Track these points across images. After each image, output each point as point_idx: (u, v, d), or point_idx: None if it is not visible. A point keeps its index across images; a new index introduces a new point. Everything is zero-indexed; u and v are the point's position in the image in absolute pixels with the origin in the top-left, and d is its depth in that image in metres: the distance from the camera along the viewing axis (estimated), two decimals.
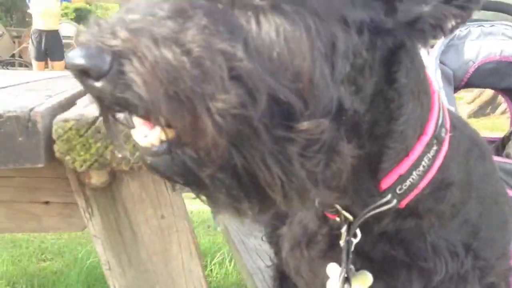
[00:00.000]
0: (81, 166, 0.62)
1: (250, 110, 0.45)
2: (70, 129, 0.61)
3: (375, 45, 0.55)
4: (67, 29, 9.58)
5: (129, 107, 0.45)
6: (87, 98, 0.86)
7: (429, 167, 0.67)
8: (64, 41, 7.84)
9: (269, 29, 0.47)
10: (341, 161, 0.54)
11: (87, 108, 0.73)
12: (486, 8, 2.20)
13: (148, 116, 0.46)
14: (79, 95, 0.92)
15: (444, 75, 1.83)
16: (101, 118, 0.62)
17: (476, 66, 1.91)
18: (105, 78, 0.44)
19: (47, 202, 0.82)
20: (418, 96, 0.65)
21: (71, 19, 16.87)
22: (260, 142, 0.47)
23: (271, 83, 0.46)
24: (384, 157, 0.65)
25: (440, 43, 1.86)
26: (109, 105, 0.48)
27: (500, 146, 1.84)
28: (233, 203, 0.52)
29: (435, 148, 0.67)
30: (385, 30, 0.55)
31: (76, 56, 0.44)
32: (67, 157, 0.62)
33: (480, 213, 0.75)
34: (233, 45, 0.46)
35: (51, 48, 7.34)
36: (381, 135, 0.63)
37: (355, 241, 0.71)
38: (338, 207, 0.71)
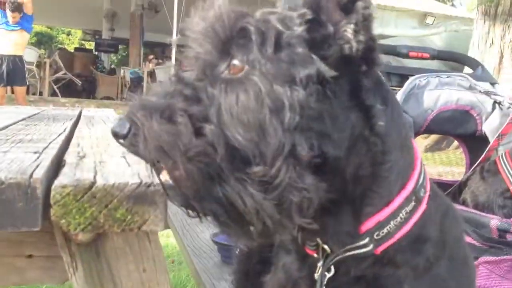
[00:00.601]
0: (75, 229, 0.65)
1: (212, 157, 0.61)
2: (68, 194, 0.63)
3: (325, 95, 0.64)
4: (28, 54, 9.41)
5: (140, 157, 0.66)
6: (72, 154, 0.88)
7: (406, 220, 0.73)
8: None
9: (231, 96, 0.63)
10: (300, 196, 0.63)
11: (79, 169, 0.76)
12: (440, 57, 2.36)
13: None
14: (64, 148, 0.94)
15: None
16: (96, 185, 0.65)
17: (434, 114, 2.03)
18: (125, 139, 0.65)
19: (30, 256, 0.84)
20: (401, 149, 0.73)
21: (32, 43, 16.55)
22: (226, 181, 0.62)
23: (229, 135, 0.62)
24: (368, 200, 0.72)
25: (401, 93, 1.97)
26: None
27: (457, 191, 1.95)
28: (221, 226, 0.67)
29: (413, 203, 0.74)
30: (328, 79, 0.64)
31: (114, 125, 0.66)
32: (62, 221, 0.64)
33: (451, 272, 0.80)
34: (205, 109, 0.64)
35: (13, 73, 7.20)
36: (366, 178, 0.70)
37: (328, 275, 0.77)
38: (319, 240, 0.77)
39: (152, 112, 0.63)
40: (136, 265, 0.84)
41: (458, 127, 2.07)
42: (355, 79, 0.68)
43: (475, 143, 2.14)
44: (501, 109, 2.04)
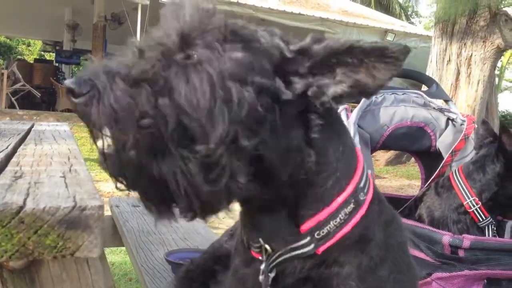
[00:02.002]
0: (2, 256, 0.61)
1: (162, 129, 0.65)
2: None
3: (274, 108, 0.70)
4: None
5: (87, 120, 0.67)
6: (8, 174, 0.84)
7: (346, 221, 0.78)
8: None
9: (182, 78, 0.68)
10: (235, 183, 0.68)
11: (10, 191, 0.71)
12: (396, 75, 2.40)
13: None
14: (0, 168, 0.90)
15: (362, 138, 1.95)
16: (25, 209, 0.62)
17: (390, 130, 2.05)
18: (80, 97, 0.66)
19: None
20: (339, 161, 0.79)
21: None
22: (169, 157, 0.66)
23: (180, 111, 0.66)
24: (305, 204, 0.77)
25: (358, 109, 1.99)
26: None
27: (413, 207, 1.97)
28: (146, 203, 0.71)
29: (352, 206, 0.78)
30: (284, 100, 0.71)
31: (70, 82, 0.66)
32: None
33: (395, 275, 0.82)
34: (161, 86, 0.68)
35: None
36: (300, 183, 0.76)
37: (271, 275, 0.80)
38: (261, 241, 0.81)
39: (116, 77, 0.67)
40: None
41: (414, 143, 2.10)
42: (306, 105, 0.74)
43: (430, 159, 2.18)
44: (454, 125, 2.09)
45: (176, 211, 0.71)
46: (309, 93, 0.73)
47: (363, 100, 2.04)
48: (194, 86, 0.67)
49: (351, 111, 2.01)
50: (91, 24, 12.13)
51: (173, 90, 0.67)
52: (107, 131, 0.66)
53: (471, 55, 7.71)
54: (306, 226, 0.77)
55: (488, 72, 7.64)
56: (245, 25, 0.75)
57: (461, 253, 1.37)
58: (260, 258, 0.82)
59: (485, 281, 1.37)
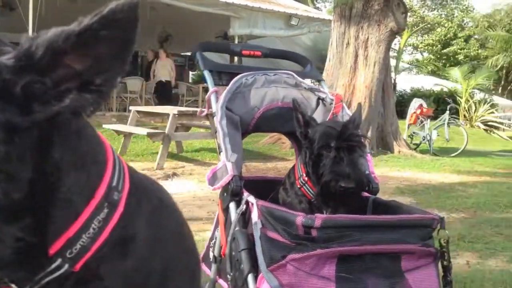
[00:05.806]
0: None
1: None
2: None
3: (13, 140, 0.58)
4: None
5: None
6: None
7: (101, 228, 0.70)
8: None
9: None
10: (4, 246, 0.59)
11: None
12: (272, 55, 2.37)
13: None
14: None
15: (231, 121, 1.90)
16: None
17: (261, 112, 2.02)
18: None
19: None
20: (82, 167, 0.69)
21: None
22: None
23: None
24: (50, 226, 0.66)
25: (226, 92, 1.93)
26: None
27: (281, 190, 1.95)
28: None
29: (106, 210, 0.70)
30: (23, 128, 0.59)
31: None
32: None
33: (167, 265, 0.79)
34: None
35: None
36: (44, 206, 0.65)
37: None
38: (6, 280, 0.70)
39: None
40: None
41: (285, 124, 2.08)
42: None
43: None
44: (324, 105, 2.10)
45: None
46: (61, 120, 0.62)
47: (232, 82, 1.98)
48: None
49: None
50: None
51: None
52: None
53: (368, 38, 8.01)
54: (54, 249, 0.67)
55: (383, 54, 7.97)
56: None
57: (314, 233, 1.36)
58: None
59: (337, 259, 1.36)
